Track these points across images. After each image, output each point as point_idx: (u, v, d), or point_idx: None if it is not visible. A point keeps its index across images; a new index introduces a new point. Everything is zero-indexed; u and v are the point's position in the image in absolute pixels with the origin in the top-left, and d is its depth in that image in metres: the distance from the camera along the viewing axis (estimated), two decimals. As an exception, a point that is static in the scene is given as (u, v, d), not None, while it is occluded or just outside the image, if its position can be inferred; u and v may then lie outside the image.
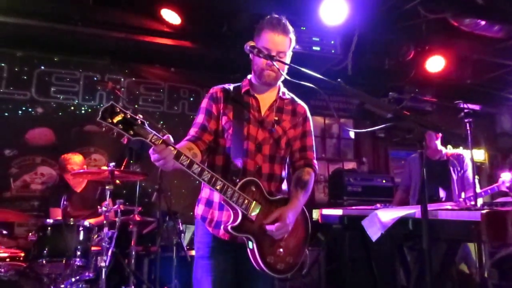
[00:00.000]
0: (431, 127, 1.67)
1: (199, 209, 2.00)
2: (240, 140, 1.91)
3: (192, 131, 1.97)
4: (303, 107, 2.14)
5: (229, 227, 1.77)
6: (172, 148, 1.63)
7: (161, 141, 1.60)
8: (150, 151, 1.63)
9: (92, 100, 5.25)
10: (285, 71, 1.96)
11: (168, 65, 5.63)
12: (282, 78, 2.01)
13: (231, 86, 2.08)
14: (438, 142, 4.03)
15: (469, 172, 3.89)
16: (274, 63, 1.88)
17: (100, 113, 1.54)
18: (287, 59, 2.00)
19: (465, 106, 2.79)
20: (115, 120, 1.55)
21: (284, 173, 2.06)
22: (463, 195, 3.53)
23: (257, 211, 1.82)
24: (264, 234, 1.83)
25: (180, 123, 5.44)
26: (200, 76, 5.66)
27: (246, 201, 1.80)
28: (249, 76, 2.10)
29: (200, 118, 2.00)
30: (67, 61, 5.20)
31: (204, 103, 2.03)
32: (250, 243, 1.81)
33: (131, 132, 1.58)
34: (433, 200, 3.71)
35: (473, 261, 4.35)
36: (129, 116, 1.58)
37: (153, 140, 1.60)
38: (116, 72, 5.40)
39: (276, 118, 2.01)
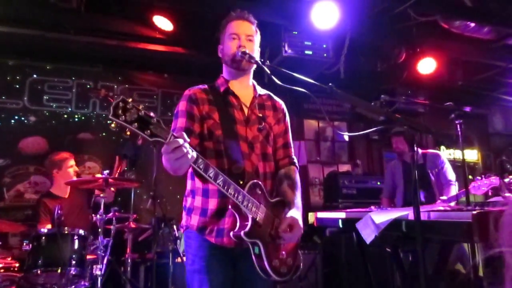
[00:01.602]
0: (421, 129, 1.69)
1: (193, 220, 1.88)
2: (235, 142, 1.87)
3: None
4: (280, 103, 2.13)
5: (242, 233, 1.71)
6: (192, 150, 1.55)
7: (182, 141, 1.48)
8: (166, 147, 1.48)
9: (85, 108, 5.24)
10: (257, 55, 1.98)
11: (161, 71, 5.63)
12: (254, 66, 1.99)
13: (206, 86, 2.01)
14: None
15: (446, 169, 3.92)
16: (245, 44, 1.91)
17: (111, 109, 1.36)
18: (256, 50, 2.01)
19: (455, 107, 2.82)
20: (128, 118, 1.37)
21: (274, 170, 2.03)
22: (444, 197, 3.53)
23: (264, 215, 1.80)
24: (270, 238, 1.80)
25: (174, 129, 5.43)
26: (193, 82, 5.58)
27: (255, 205, 1.76)
28: (222, 75, 2.07)
29: (181, 122, 1.86)
30: (59, 69, 5.19)
31: (183, 106, 1.90)
32: (256, 248, 1.76)
33: (148, 132, 1.41)
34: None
35: (468, 261, 4.38)
36: (143, 114, 1.41)
37: (173, 141, 1.47)
38: (109, 79, 5.39)
39: (261, 115, 1.99)
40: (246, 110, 1.97)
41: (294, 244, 1.93)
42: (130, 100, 1.39)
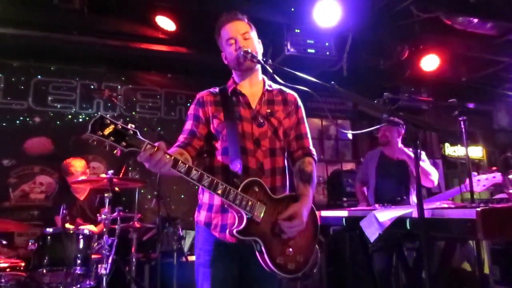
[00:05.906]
0: (424, 126, 1.69)
1: (201, 216, 1.95)
2: (236, 140, 1.88)
3: (181, 138, 1.98)
4: (293, 95, 2.12)
5: (234, 231, 1.73)
6: (168, 156, 1.59)
7: (156, 148, 1.56)
8: (141, 156, 1.56)
9: (90, 108, 5.26)
10: (259, 48, 2.03)
11: (164, 71, 5.65)
12: (260, 56, 2.00)
13: (217, 89, 2.07)
14: (399, 140, 3.84)
15: (424, 166, 3.66)
16: (244, 44, 1.94)
17: (89, 126, 1.49)
18: (256, 44, 2.02)
19: (459, 104, 2.80)
20: (106, 133, 1.50)
21: (285, 164, 2.03)
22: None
23: (263, 212, 1.79)
24: (272, 234, 1.79)
25: (177, 129, 5.34)
26: (196, 82, 5.66)
27: (250, 202, 1.76)
28: (232, 76, 2.10)
29: (188, 125, 2.00)
30: (63, 70, 5.22)
31: (191, 109, 2.03)
32: (258, 245, 1.76)
33: (124, 144, 1.52)
34: (396, 200, 3.54)
35: (475, 260, 4.35)
36: (120, 127, 1.53)
37: (147, 149, 1.55)
38: (112, 80, 5.41)
39: (269, 111, 2.00)
40: (254, 107, 1.99)
41: (306, 240, 1.90)
42: (108, 116, 1.52)
